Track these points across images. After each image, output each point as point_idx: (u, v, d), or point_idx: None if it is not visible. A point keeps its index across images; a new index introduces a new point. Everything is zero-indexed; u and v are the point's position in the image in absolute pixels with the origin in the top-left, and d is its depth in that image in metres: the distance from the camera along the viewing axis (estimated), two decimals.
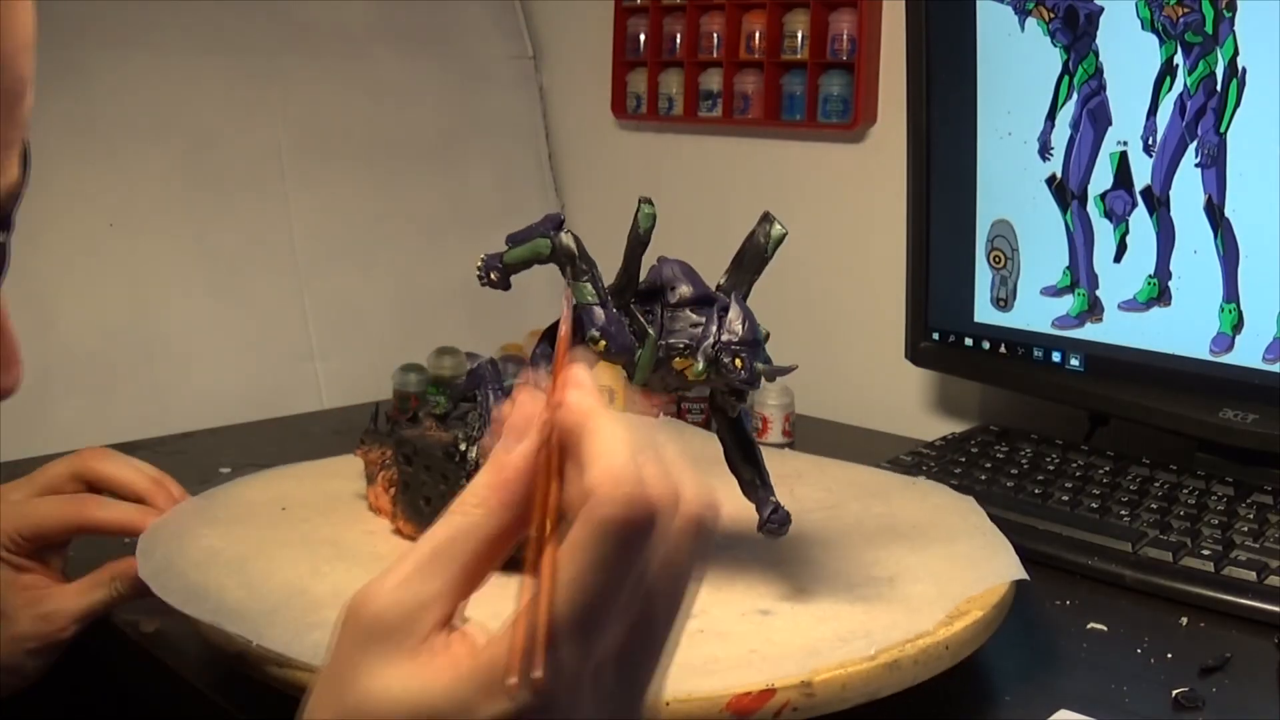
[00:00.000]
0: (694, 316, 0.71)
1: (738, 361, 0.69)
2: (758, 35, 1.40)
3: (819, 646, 0.65)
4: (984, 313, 1.17)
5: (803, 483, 0.91)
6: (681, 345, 0.70)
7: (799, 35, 1.37)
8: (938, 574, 0.74)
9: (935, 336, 1.21)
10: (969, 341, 1.18)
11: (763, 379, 0.70)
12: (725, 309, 0.70)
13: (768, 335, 0.72)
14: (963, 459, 1.08)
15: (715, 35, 1.44)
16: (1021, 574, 0.73)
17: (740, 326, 0.70)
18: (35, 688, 0.80)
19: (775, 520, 0.73)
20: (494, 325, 1.46)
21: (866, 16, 1.32)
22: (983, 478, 1.04)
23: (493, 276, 0.75)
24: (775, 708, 0.60)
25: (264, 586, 0.72)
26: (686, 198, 1.49)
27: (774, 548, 0.78)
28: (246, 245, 1.37)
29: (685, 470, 0.43)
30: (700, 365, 0.70)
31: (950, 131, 1.15)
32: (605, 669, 0.43)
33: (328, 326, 1.42)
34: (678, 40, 1.48)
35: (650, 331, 0.71)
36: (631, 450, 0.42)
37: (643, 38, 1.51)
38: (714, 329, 0.70)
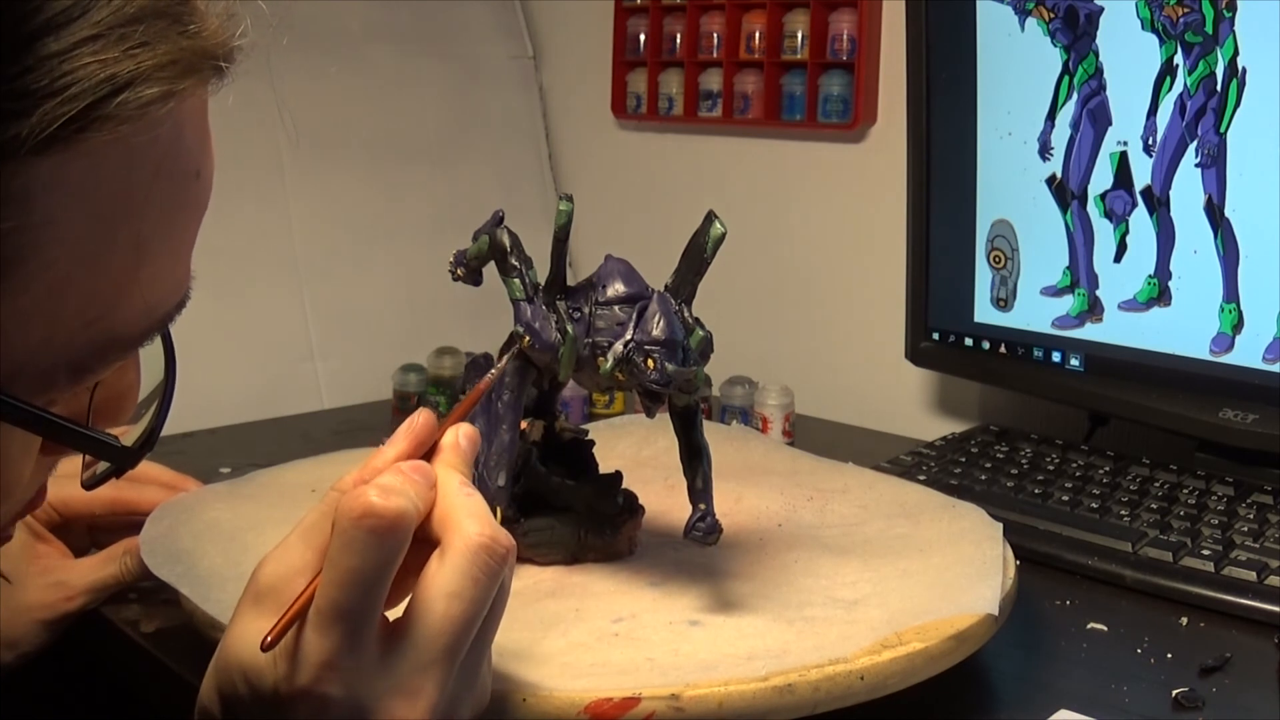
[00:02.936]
0: (621, 315, 0.69)
1: (649, 362, 0.67)
2: (758, 35, 1.40)
3: (720, 662, 0.63)
4: (984, 313, 1.17)
5: (843, 499, 0.89)
6: (605, 343, 0.69)
7: (799, 35, 1.37)
8: (907, 599, 0.71)
9: (935, 336, 1.21)
10: (969, 341, 1.18)
11: (674, 381, 0.67)
12: (645, 308, 0.69)
13: (706, 337, 0.70)
14: (963, 459, 1.08)
15: (715, 35, 1.44)
16: (991, 609, 0.68)
17: (656, 326, 0.68)
18: (35, 688, 0.80)
19: (700, 529, 0.71)
20: (494, 325, 1.45)
21: (866, 16, 1.32)
22: (983, 478, 1.04)
23: (460, 272, 0.75)
24: (638, 717, 0.59)
25: (241, 557, 0.72)
26: (686, 198, 1.49)
27: (751, 561, 0.77)
28: (246, 245, 1.37)
29: (477, 507, 0.52)
30: (609, 364, 0.68)
31: (950, 131, 1.15)
32: (369, 664, 0.49)
33: (328, 326, 1.42)
34: (678, 40, 1.48)
35: (569, 329, 0.70)
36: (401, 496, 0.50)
37: (643, 38, 1.51)
38: (631, 328, 0.69)
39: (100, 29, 0.34)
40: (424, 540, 0.51)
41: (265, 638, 0.48)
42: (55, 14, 0.34)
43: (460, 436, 0.55)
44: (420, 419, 0.55)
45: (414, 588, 0.51)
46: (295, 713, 0.49)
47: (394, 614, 0.51)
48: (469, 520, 0.51)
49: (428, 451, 0.55)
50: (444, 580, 0.50)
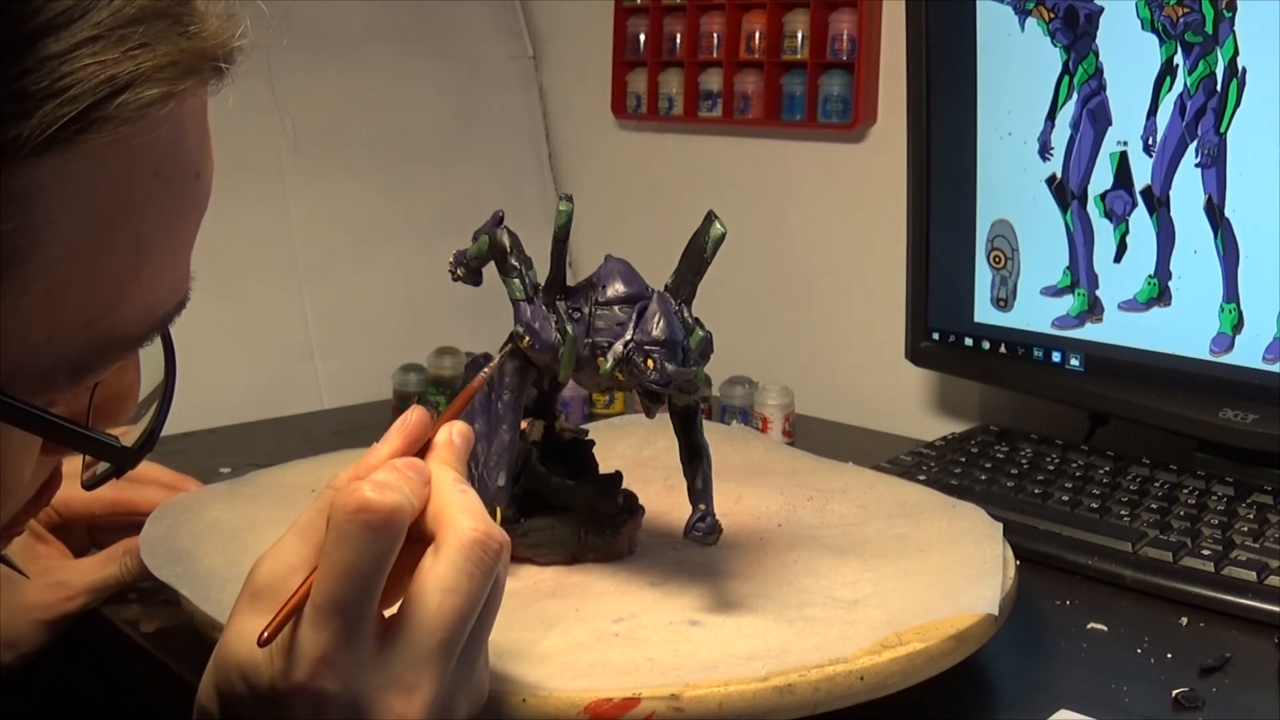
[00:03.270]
0: (621, 315, 0.69)
1: (649, 362, 0.67)
2: (758, 35, 1.40)
3: (720, 662, 0.63)
4: (984, 313, 1.17)
5: (843, 499, 0.89)
6: (605, 343, 0.69)
7: (799, 35, 1.37)
8: (907, 599, 0.71)
9: (935, 336, 1.21)
10: (969, 341, 1.18)
11: (674, 381, 0.67)
12: (645, 308, 0.69)
13: (706, 337, 0.70)
14: (963, 459, 1.08)
15: (715, 35, 1.44)
16: (991, 609, 0.68)
17: (656, 326, 0.68)
18: (35, 688, 0.80)
19: (700, 529, 0.71)
20: (494, 325, 1.45)
21: (866, 16, 1.32)
22: (983, 478, 1.04)
23: (459, 272, 0.75)
24: (638, 717, 0.59)
25: (241, 557, 0.72)
26: (686, 198, 1.49)
27: (751, 561, 0.77)
28: (246, 245, 1.37)
29: (470, 503, 0.52)
30: (609, 364, 0.68)
31: (950, 131, 1.15)
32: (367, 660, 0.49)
33: (328, 326, 1.42)
34: (678, 40, 1.48)
35: (569, 329, 0.70)
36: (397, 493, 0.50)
37: (643, 38, 1.51)
38: (631, 328, 0.69)
39: (100, 30, 0.34)
40: (418, 537, 0.51)
41: (262, 633, 0.48)
42: (55, 15, 0.34)
43: (453, 433, 0.55)
44: (414, 416, 0.55)
45: (409, 584, 0.51)
46: (292, 709, 0.49)
47: (390, 612, 0.51)
48: (463, 516, 0.51)
49: (421, 449, 0.55)
50: (438, 575, 0.50)
